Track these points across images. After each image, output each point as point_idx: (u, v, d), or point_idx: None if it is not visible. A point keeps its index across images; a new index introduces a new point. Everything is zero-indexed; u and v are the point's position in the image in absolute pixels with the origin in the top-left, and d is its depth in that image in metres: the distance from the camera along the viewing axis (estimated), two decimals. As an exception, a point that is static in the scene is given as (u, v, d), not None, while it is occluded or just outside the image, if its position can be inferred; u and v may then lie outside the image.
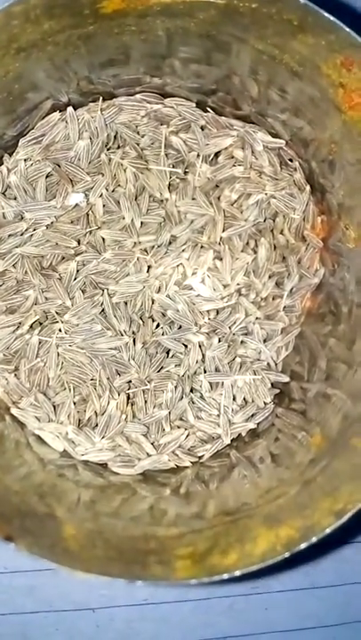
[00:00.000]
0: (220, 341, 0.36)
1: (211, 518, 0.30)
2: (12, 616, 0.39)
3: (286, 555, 0.24)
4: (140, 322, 0.35)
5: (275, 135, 0.36)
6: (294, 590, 0.41)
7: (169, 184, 0.35)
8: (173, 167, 0.35)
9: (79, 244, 0.35)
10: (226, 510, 0.30)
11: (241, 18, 0.26)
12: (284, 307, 0.37)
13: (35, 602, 0.39)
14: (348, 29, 0.25)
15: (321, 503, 0.26)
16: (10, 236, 0.35)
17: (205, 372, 0.36)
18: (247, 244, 0.36)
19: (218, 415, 0.36)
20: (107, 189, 0.35)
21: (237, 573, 0.24)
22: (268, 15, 0.25)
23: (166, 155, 0.35)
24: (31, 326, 0.35)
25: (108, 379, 0.35)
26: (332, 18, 0.25)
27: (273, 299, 0.37)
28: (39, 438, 0.35)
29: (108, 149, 0.35)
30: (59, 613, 0.40)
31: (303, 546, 0.24)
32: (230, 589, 0.41)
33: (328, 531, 0.25)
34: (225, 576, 0.24)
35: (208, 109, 0.36)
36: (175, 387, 0.35)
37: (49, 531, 0.26)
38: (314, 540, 0.25)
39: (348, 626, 0.42)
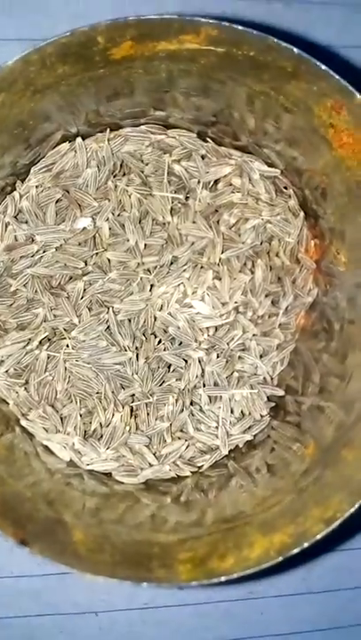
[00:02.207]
0: (218, 357, 0.37)
1: (209, 525, 0.31)
2: (18, 619, 0.40)
3: (280, 559, 0.26)
4: (143, 338, 0.37)
5: (270, 165, 0.37)
6: (290, 595, 0.42)
7: (171, 208, 0.36)
8: (175, 193, 0.36)
9: (86, 264, 0.36)
10: (224, 518, 0.31)
11: (239, 64, 0.28)
12: (280, 324, 0.38)
13: (40, 605, 0.40)
14: (337, 77, 0.26)
15: (312, 511, 0.28)
16: (21, 257, 0.36)
17: (205, 386, 0.37)
18: (245, 264, 0.37)
19: (216, 427, 0.37)
20: (113, 214, 0.36)
21: (235, 576, 0.26)
22: (265, 62, 0.27)
23: (169, 181, 0.36)
24: (40, 342, 0.36)
25: (112, 392, 0.36)
26: (323, 67, 0.26)
27: (269, 316, 0.38)
28: (47, 448, 0.36)
29: (114, 177, 0.36)
30: (63, 617, 0.40)
31: (295, 551, 0.26)
32: (228, 594, 0.42)
33: (318, 537, 0.26)
34: (223, 578, 0.26)
35: (208, 140, 0.37)
36: (176, 400, 0.37)
37: (59, 536, 0.28)
38: (305, 545, 0.26)
39: (342, 630, 0.43)
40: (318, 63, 0.26)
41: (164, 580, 0.26)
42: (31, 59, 0.26)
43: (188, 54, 0.28)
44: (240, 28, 0.26)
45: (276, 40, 0.26)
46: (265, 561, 0.26)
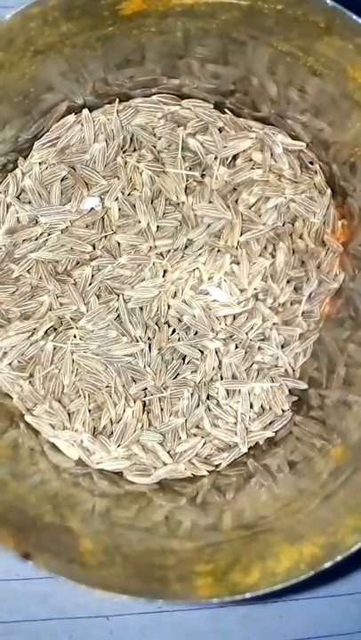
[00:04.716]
0: (236, 348, 0.35)
1: (227, 531, 0.30)
2: (26, 623, 0.39)
3: (311, 573, 0.24)
4: (156, 327, 0.35)
5: (295, 137, 0.35)
6: (310, 599, 0.41)
7: (186, 187, 0.35)
8: (190, 170, 0.35)
9: (94, 248, 0.35)
10: (244, 523, 0.30)
11: (265, 19, 0.26)
12: (303, 312, 0.36)
13: (48, 609, 0.39)
14: None
15: (345, 519, 0.26)
16: (24, 240, 0.34)
17: (222, 378, 0.36)
18: (265, 248, 0.36)
19: (235, 423, 0.35)
20: (122, 193, 0.35)
21: (260, 593, 0.23)
22: (294, 17, 0.25)
23: (183, 157, 0.35)
24: (46, 332, 0.35)
25: (123, 386, 0.35)
26: (360, 20, 0.24)
27: (291, 304, 0.36)
28: (54, 446, 0.35)
29: (123, 152, 0.35)
30: (72, 621, 0.40)
31: (328, 565, 0.24)
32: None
33: (354, 549, 0.24)
34: (248, 595, 0.23)
35: (226, 111, 0.35)
36: (191, 394, 0.35)
37: (65, 545, 0.26)
38: (339, 558, 0.24)
39: (363, 634, 0.42)
40: (355, 17, 0.24)
41: (181, 595, 0.24)
42: (31, 13, 0.24)
43: (206, 9, 0.26)
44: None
45: (307, -10, 0.23)
46: (294, 575, 0.24)
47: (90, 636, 0.40)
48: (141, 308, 0.35)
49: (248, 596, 0.23)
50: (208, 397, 0.36)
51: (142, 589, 0.24)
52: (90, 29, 0.26)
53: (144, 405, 0.35)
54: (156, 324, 0.35)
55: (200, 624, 0.40)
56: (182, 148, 0.35)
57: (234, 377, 0.35)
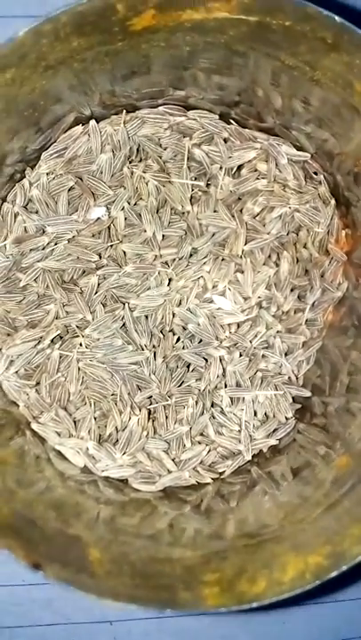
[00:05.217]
0: (241, 356, 0.36)
1: (231, 539, 0.30)
2: (30, 628, 0.39)
3: (317, 583, 0.24)
4: (161, 336, 0.35)
5: (299, 148, 0.35)
6: (314, 604, 0.41)
7: (191, 197, 0.35)
8: (196, 180, 0.35)
9: (100, 257, 0.35)
10: (247, 531, 0.30)
11: (273, 35, 0.26)
12: (306, 320, 0.36)
13: (52, 614, 0.39)
14: None
15: (350, 529, 0.26)
16: (31, 250, 0.34)
17: (226, 386, 0.36)
18: (269, 257, 0.36)
19: (239, 431, 0.35)
20: (128, 202, 0.35)
21: (267, 602, 0.24)
22: (302, 33, 0.25)
23: (189, 167, 0.35)
24: (52, 341, 0.35)
25: (128, 394, 0.35)
26: None
27: (295, 312, 0.36)
28: (60, 454, 0.35)
29: (130, 162, 0.35)
30: (76, 626, 0.40)
31: (334, 574, 0.24)
32: (249, 603, 0.41)
33: (360, 559, 0.24)
34: (255, 605, 0.24)
35: (231, 122, 0.35)
36: (196, 402, 0.35)
37: (74, 555, 0.26)
38: (344, 568, 0.24)
39: (366, 639, 0.42)
40: None
41: (190, 606, 0.24)
42: (44, 29, 0.24)
43: (215, 25, 0.26)
44: (276, -7, 0.23)
45: (315, 7, 0.23)
46: (300, 585, 0.24)
47: (94, 641, 0.40)
48: (147, 317, 0.35)
49: (255, 605, 0.24)
50: (212, 405, 0.36)
51: (151, 598, 0.24)
52: (100, 44, 0.26)
53: (149, 413, 0.35)
54: (161, 333, 0.35)
55: (203, 630, 0.40)
56: (188, 158, 0.35)
57: (238, 385, 0.36)
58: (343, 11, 0.24)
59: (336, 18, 0.24)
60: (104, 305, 0.35)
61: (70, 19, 0.24)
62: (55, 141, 0.34)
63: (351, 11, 0.37)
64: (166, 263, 0.35)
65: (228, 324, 0.35)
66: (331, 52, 0.26)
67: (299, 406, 0.36)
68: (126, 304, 0.35)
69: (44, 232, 0.35)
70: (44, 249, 0.34)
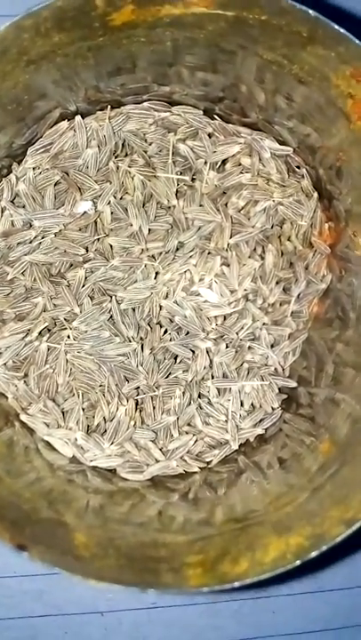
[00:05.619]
0: (227, 347, 0.36)
1: (219, 525, 0.30)
2: (22, 620, 0.39)
3: (297, 563, 0.24)
4: (148, 328, 0.36)
5: (282, 142, 0.36)
6: (302, 594, 0.41)
7: (176, 191, 0.35)
8: (181, 174, 0.35)
9: (87, 251, 0.35)
10: (234, 517, 0.30)
11: (250, 29, 0.26)
12: (292, 312, 0.37)
13: (44, 606, 0.39)
14: (357, 41, 0.25)
15: (331, 511, 0.26)
16: (19, 243, 0.35)
17: (213, 377, 0.36)
18: (254, 250, 0.36)
19: (226, 421, 0.36)
20: (114, 197, 0.35)
21: (248, 581, 0.24)
22: (278, 27, 0.25)
23: (174, 162, 0.35)
24: (40, 333, 0.35)
25: (116, 385, 0.35)
26: (342, 30, 0.25)
27: (280, 304, 0.37)
28: (48, 444, 0.35)
29: (115, 157, 0.35)
30: (67, 617, 0.40)
31: (314, 554, 0.25)
32: (238, 593, 0.41)
33: (338, 540, 0.25)
34: (236, 584, 0.24)
35: (215, 117, 0.36)
36: (183, 392, 0.36)
37: (60, 538, 0.26)
38: (324, 548, 0.25)
39: (355, 629, 0.42)
40: (337, 27, 0.25)
41: (173, 585, 0.24)
42: (24, 24, 0.24)
43: (194, 20, 0.26)
44: (251, -12, 0.24)
45: (290, 1, 0.24)
46: (281, 565, 0.24)
47: (84, 631, 0.40)
48: (134, 309, 0.35)
49: (237, 584, 0.24)
50: (199, 396, 0.36)
51: (135, 580, 0.25)
52: (81, 39, 0.27)
53: (137, 404, 0.35)
54: (149, 325, 0.36)
55: (194, 619, 0.41)
56: (173, 153, 0.35)
57: (225, 376, 0.36)
58: (317, 5, 0.25)
59: (310, 12, 0.25)
60: (91, 298, 0.35)
61: (51, 14, 0.24)
62: (41, 137, 0.34)
63: (326, 5, 0.38)
64: (153, 257, 0.35)
65: (215, 317, 0.36)
66: (307, 45, 0.26)
67: (285, 397, 0.37)
68: (113, 297, 0.35)
69: (31, 226, 0.35)
70: (31, 242, 0.35)
